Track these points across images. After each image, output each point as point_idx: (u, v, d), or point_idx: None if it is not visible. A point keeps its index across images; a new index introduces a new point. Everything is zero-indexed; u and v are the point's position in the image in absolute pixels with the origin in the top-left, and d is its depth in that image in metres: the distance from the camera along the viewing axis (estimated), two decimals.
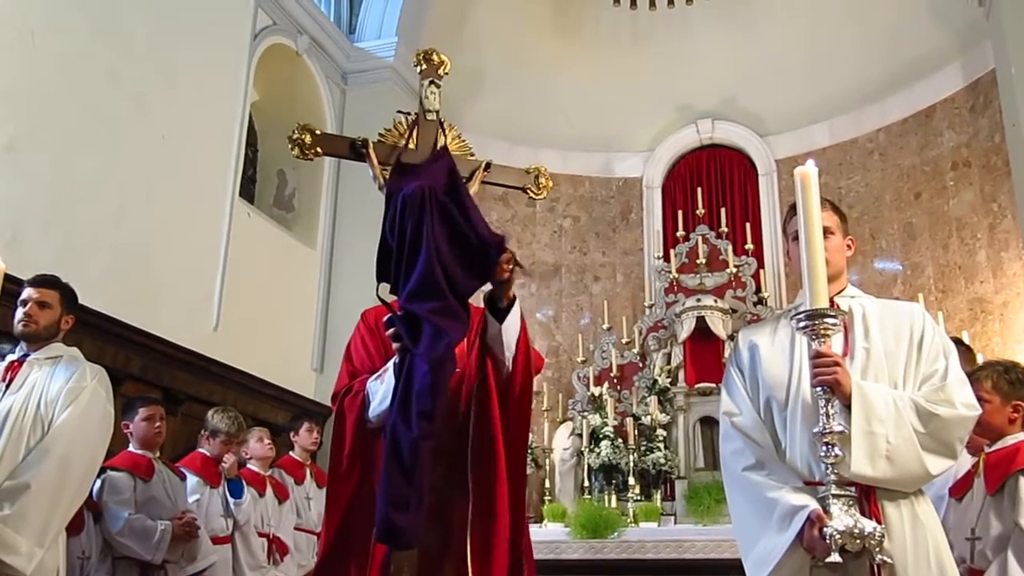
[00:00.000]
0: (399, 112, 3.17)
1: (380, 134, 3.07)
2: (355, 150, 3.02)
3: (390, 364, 2.67)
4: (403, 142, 3.05)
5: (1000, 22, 7.30)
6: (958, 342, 4.09)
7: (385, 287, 2.69)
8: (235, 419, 5.11)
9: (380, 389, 2.69)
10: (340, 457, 2.78)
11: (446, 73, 3.12)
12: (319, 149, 3.05)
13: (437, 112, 3.07)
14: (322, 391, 7.46)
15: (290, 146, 2.99)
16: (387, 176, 2.96)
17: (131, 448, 4.51)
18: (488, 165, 3.11)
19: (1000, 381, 3.11)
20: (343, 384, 2.89)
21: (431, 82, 3.08)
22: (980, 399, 2.96)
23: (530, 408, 2.96)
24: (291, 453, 6.04)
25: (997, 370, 3.16)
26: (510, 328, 2.77)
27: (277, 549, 5.38)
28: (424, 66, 3.10)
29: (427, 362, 2.48)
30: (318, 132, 3.05)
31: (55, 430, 3.48)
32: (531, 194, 3.25)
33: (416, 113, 3.10)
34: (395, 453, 2.49)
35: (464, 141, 3.17)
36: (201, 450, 5.08)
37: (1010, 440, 3.08)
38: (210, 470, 5.01)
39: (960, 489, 3.22)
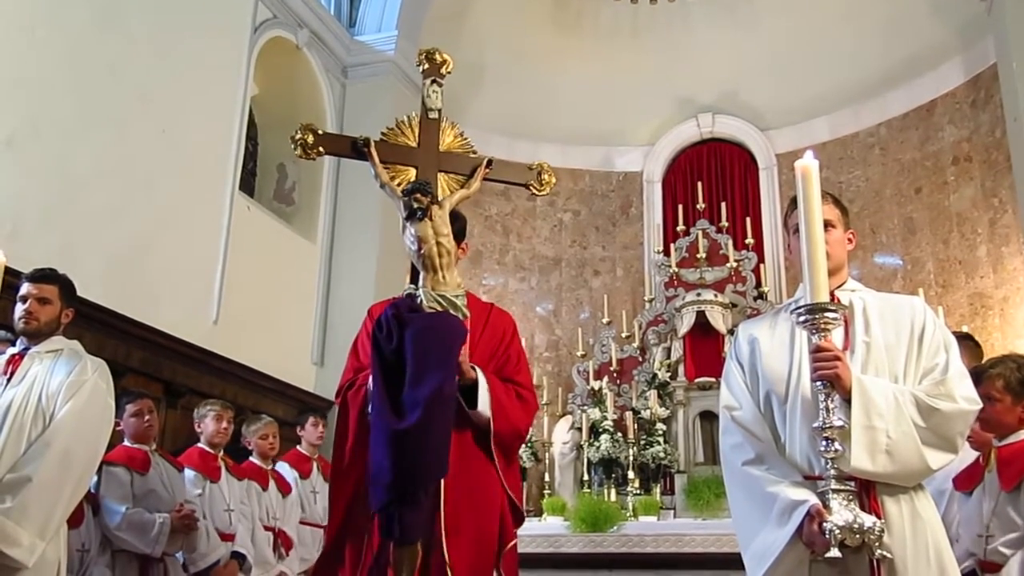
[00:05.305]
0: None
1: (383, 133, 3.07)
2: (357, 149, 3.03)
3: None
4: (404, 140, 3.07)
5: (1002, 16, 7.29)
6: (967, 337, 4.07)
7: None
8: (222, 402, 5.24)
9: None
10: (343, 451, 2.78)
11: (448, 72, 3.13)
12: (321, 148, 3.06)
13: (439, 111, 3.08)
14: (322, 385, 7.47)
15: (293, 146, 3.00)
16: (389, 176, 2.98)
17: (126, 442, 4.50)
18: (490, 162, 3.11)
19: (1012, 380, 3.04)
20: (347, 379, 2.89)
21: (433, 81, 3.09)
22: (991, 398, 2.94)
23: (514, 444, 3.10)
24: (298, 447, 6.05)
25: (1009, 367, 3.08)
26: (481, 404, 2.87)
27: (282, 543, 5.38)
28: (427, 65, 3.11)
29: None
30: (320, 132, 3.06)
31: (56, 424, 3.48)
32: (534, 190, 3.26)
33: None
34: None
35: (466, 139, 3.17)
36: (199, 445, 5.08)
37: (1022, 435, 3.04)
38: (210, 464, 4.99)
39: (968, 483, 3.19)
